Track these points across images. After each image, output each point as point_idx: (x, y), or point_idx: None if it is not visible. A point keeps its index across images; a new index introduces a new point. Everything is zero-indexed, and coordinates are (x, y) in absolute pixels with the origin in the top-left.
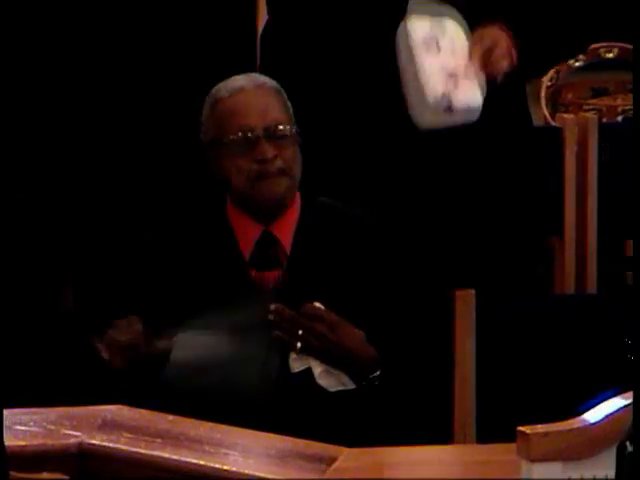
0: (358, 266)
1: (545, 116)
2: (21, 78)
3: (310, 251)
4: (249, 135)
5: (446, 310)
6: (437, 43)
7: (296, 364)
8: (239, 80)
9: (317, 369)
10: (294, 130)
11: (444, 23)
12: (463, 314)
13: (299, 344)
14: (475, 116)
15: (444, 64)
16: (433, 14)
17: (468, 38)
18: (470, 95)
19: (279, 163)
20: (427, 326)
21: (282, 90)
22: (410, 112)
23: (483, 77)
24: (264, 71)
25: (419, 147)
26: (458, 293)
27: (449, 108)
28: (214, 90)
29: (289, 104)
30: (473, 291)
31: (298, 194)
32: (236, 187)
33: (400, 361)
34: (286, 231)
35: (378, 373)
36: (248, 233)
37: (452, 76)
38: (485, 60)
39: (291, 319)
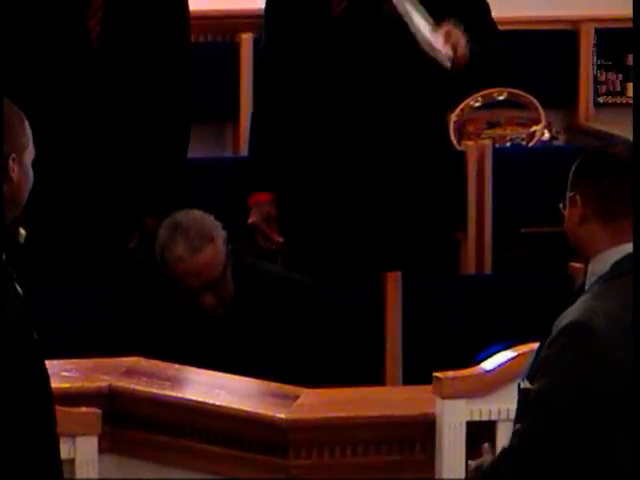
0: (277, 319)
1: (452, 143)
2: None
3: (240, 314)
4: (191, 291)
5: (379, 286)
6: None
7: None
8: (179, 246)
9: None
10: (227, 266)
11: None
12: (392, 290)
13: None
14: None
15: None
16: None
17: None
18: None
19: (214, 302)
20: (361, 302)
21: (215, 233)
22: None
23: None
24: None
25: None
26: (389, 274)
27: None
28: (162, 247)
29: (223, 244)
30: (400, 273)
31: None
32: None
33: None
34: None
35: None
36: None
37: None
38: (447, 37)
39: None
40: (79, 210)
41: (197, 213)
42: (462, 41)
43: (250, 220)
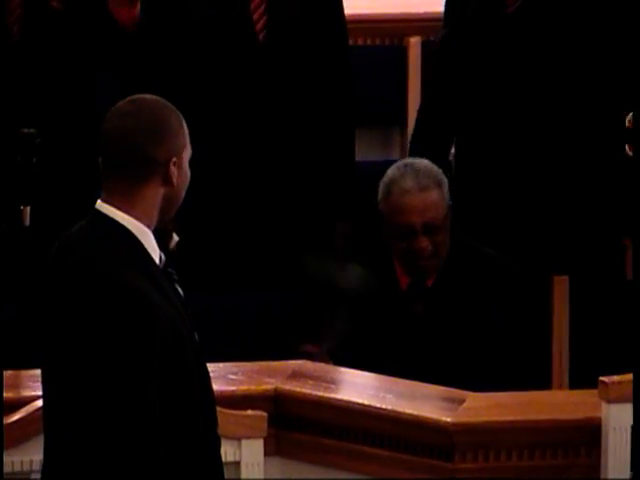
0: (483, 301)
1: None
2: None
3: (446, 290)
4: (410, 230)
5: (546, 290)
6: None
7: None
8: (408, 181)
9: None
10: (447, 218)
11: None
12: (560, 294)
13: None
14: None
15: None
16: None
17: None
18: None
19: (430, 249)
20: (529, 304)
21: (442, 181)
22: None
23: None
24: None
25: None
26: (556, 278)
27: None
28: (389, 181)
29: (447, 194)
30: (567, 277)
31: (448, 228)
32: (395, 257)
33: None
34: (430, 281)
35: None
36: (404, 280)
37: None
38: None
39: None
40: (242, 212)
41: (426, 161)
42: None
43: None
